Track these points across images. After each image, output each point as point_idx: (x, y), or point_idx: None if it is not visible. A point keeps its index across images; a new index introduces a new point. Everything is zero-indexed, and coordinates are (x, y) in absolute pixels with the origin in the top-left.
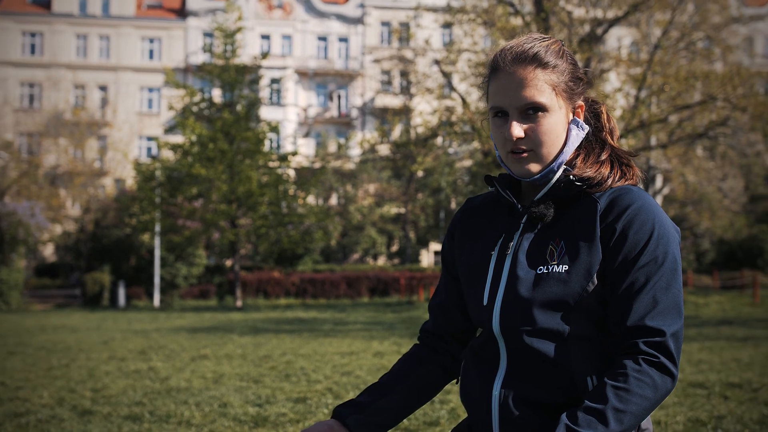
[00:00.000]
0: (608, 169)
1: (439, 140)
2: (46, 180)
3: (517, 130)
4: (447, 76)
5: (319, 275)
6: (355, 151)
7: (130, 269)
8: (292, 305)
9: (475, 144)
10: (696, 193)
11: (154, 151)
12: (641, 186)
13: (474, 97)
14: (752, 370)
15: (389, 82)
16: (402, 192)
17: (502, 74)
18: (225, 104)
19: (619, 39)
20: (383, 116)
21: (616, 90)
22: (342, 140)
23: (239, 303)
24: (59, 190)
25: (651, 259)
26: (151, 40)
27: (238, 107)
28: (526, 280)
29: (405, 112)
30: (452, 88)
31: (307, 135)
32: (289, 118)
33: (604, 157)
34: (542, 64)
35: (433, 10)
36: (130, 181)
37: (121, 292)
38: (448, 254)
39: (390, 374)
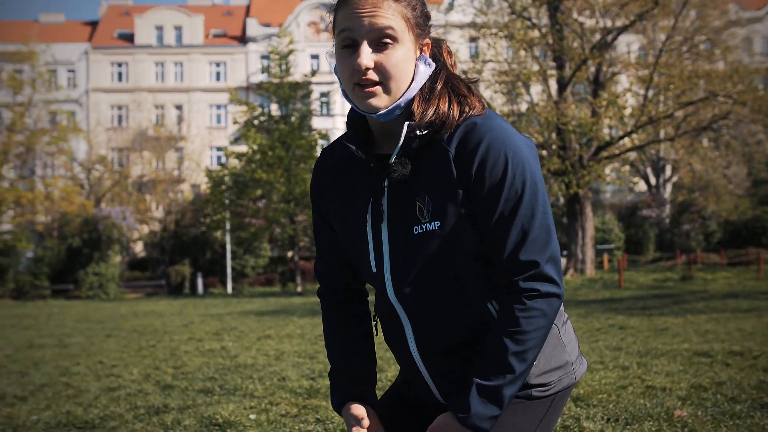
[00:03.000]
0: (446, 103)
1: None
2: (134, 187)
3: (367, 59)
4: (474, 84)
5: None
6: None
7: (206, 262)
8: None
9: None
10: (702, 180)
11: (223, 160)
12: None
13: (498, 102)
14: (754, 339)
15: None
16: None
17: (354, 2)
18: (281, 117)
19: (628, 45)
20: None
21: (625, 90)
22: None
23: (299, 289)
24: (145, 195)
25: (511, 193)
26: (218, 64)
27: (293, 119)
28: (406, 243)
29: None
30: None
31: None
32: (337, 126)
33: (439, 86)
34: None
35: (460, 26)
36: (204, 186)
37: (200, 282)
38: (323, 212)
39: (338, 352)
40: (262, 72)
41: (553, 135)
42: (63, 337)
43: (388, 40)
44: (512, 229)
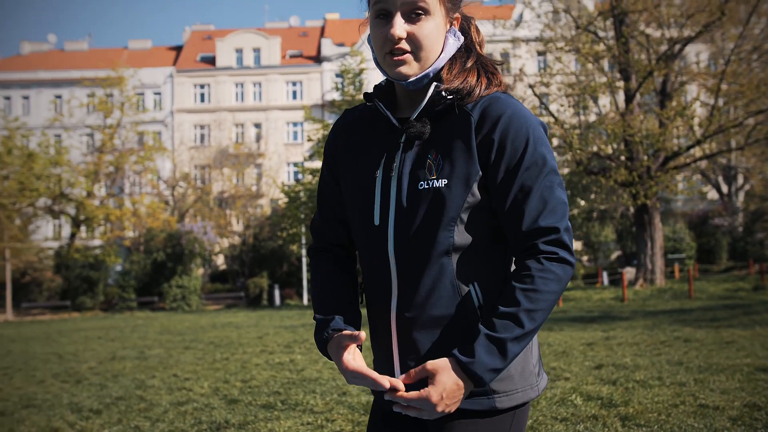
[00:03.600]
0: (474, 77)
1: None
2: (215, 203)
3: (400, 29)
4: (540, 98)
5: None
6: None
7: (283, 274)
8: None
9: (568, 156)
10: None
11: (299, 176)
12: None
13: (566, 115)
14: None
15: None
16: None
17: None
18: None
19: (698, 54)
20: None
21: (693, 100)
22: None
23: None
24: (225, 210)
25: (532, 164)
26: (294, 83)
27: None
28: (411, 198)
29: None
30: (546, 108)
31: None
32: None
33: (469, 64)
34: None
35: (526, 41)
36: (281, 201)
37: (277, 293)
38: (333, 166)
39: (327, 299)
40: (336, 90)
41: (621, 146)
42: (144, 349)
43: (421, 12)
44: (533, 197)
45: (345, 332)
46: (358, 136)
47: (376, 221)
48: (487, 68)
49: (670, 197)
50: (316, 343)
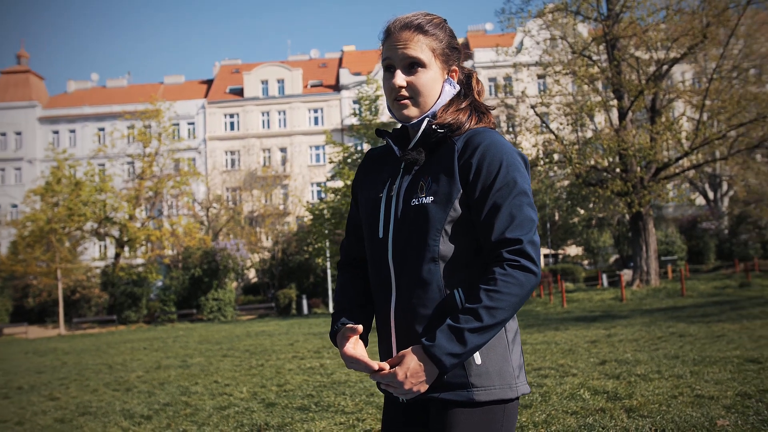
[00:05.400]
0: (465, 115)
1: (540, 167)
2: (246, 222)
3: (400, 79)
4: (541, 117)
5: None
6: None
7: (309, 285)
8: None
9: (568, 170)
10: (757, 193)
11: (322, 195)
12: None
13: (565, 132)
14: None
15: (498, 125)
16: None
17: (393, 37)
18: None
19: (683, 73)
20: None
21: (680, 116)
22: None
23: None
24: (256, 228)
25: (503, 185)
26: (315, 110)
27: None
28: (405, 213)
29: None
30: (546, 126)
31: None
32: None
33: (463, 105)
34: (423, 32)
35: (527, 66)
36: (306, 218)
37: (304, 303)
38: (356, 193)
39: (345, 300)
40: (354, 115)
41: (616, 159)
42: (186, 358)
43: (417, 65)
44: (502, 213)
45: (348, 325)
46: (374, 169)
47: (380, 234)
48: (480, 109)
49: (662, 204)
50: (329, 335)
